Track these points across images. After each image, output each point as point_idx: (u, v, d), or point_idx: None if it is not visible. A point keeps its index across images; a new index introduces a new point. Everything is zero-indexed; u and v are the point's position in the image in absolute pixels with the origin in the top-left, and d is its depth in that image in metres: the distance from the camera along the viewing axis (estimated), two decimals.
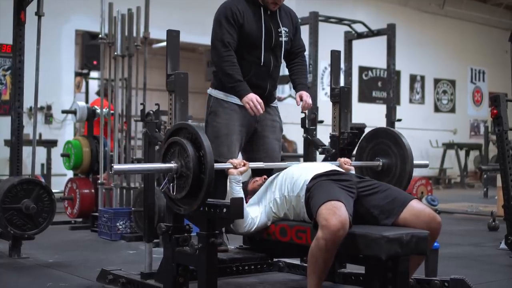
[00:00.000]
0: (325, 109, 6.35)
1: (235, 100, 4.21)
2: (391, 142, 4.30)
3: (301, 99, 4.29)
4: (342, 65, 10.44)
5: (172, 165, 3.47)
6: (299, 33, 4.52)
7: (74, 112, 7.79)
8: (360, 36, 8.28)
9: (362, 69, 17.32)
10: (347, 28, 9.07)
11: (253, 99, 4.05)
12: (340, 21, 8.22)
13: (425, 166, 4.68)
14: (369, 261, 3.47)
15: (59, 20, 12.38)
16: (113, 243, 6.49)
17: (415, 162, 4.26)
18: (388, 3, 17.97)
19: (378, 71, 17.55)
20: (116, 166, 3.43)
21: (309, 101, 4.29)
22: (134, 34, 7.33)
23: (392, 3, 18.10)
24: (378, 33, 8.37)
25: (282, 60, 4.44)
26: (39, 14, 5.79)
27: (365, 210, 3.52)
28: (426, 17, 19.09)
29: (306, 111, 4.59)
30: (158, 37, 13.50)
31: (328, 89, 16.42)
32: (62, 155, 7.86)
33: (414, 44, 17.88)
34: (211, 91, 4.36)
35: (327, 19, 8.07)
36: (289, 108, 15.43)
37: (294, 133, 14.52)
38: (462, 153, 17.91)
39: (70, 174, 9.74)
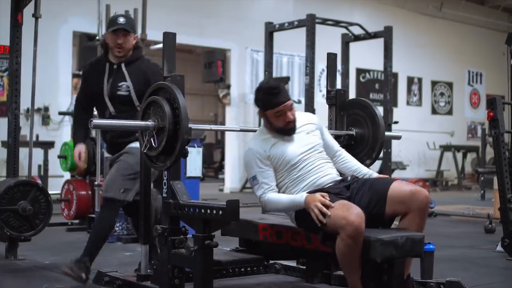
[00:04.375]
0: (322, 111, 6.34)
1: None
2: (364, 113, 4.53)
3: None
4: (339, 67, 10.46)
5: (150, 122, 3.65)
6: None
7: (71, 114, 7.79)
8: (357, 38, 8.29)
9: (359, 71, 17.32)
10: (344, 31, 9.09)
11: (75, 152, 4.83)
12: (337, 23, 8.23)
13: (398, 137, 4.98)
14: (364, 264, 3.48)
15: (57, 21, 12.37)
16: (109, 244, 6.47)
17: (387, 133, 4.63)
18: (385, 5, 17.98)
19: (376, 73, 17.56)
20: (95, 121, 3.67)
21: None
22: None
23: (389, 5, 18.11)
24: (375, 35, 8.38)
25: None
26: (36, 15, 5.80)
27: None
28: (424, 19, 19.10)
29: None
30: (155, 39, 13.51)
31: (325, 91, 16.50)
32: (59, 157, 7.86)
33: (411, 46, 17.89)
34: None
35: (324, 22, 8.07)
36: None
37: None
38: (459, 155, 17.92)
39: (67, 175, 9.73)
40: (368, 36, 8.32)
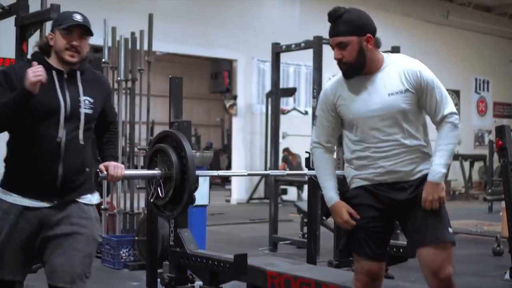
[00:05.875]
0: None
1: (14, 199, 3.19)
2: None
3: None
4: None
5: (157, 171, 3.61)
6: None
7: None
8: None
9: None
10: None
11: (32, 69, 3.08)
12: None
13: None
14: None
15: None
16: (116, 272, 6.46)
17: None
18: (392, 13, 17.91)
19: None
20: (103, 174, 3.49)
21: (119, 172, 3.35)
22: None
23: (396, 14, 18.05)
24: None
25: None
26: None
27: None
28: (430, 27, 19.05)
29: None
30: (161, 49, 13.51)
31: None
32: None
33: (418, 54, 17.48)
34: None
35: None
36: (293, 120, 15.49)
37: (298, 146, 14.51)
38: (466, 164, 17.85)
39: None
40: None
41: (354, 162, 3.32)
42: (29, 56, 3.52)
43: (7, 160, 3.20)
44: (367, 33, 3.23)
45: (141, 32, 7.42)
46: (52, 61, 3.26)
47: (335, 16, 3.23)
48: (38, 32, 5.73)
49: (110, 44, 7.44)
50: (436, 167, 3.20)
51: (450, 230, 3.24)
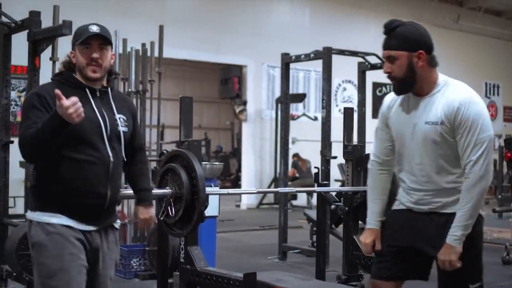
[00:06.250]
0: (338, 126, 6.32)
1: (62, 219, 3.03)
2: None
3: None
4: (355, 96, 10.40)
5: (167, 190, 3.66)
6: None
7: None
8: (373, 67, 8.25)
9: (375, 85, 17.28)
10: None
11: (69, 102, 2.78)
12: (354, 53, 8.20)
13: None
14: None
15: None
16: (127, 281, 6.51)
17: None
18: (402, 18, 17.67)
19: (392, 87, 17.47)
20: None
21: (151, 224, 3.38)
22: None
23: (406, 18, 17.65)
24: None
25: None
26: (53, 59, 5.84)
27: None
28: (440, 31, 18.98)
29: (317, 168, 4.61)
30: (171, 56, 13.56)
31: (341, 106, 16.53)
32: None
33: None
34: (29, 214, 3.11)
35: (341, 52, 8.05)
36: (302, 125, 15.53)
37: (308, 151, 14.54)
38: None
39: None
40: None
41: (399, 181, 3.29)
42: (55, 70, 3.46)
43: (44, 184, 3.03)
44: (419, 49, 3.12)
45: (152, 43, 7.48)
46: (79, 78, 3.12)
47: (389, 29, 3.15)
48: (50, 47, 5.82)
49: (121, 50, 7.50)
50: (452, 229, 3.04)
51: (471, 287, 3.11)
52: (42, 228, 2.98)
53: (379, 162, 3.32)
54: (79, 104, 2.77)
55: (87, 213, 3.04)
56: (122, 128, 3.13)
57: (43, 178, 3.03)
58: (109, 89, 3.17)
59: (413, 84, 3.12)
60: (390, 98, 3.30)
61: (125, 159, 3.17)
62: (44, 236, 2.97)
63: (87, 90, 3.08)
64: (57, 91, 2.75)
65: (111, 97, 3.16)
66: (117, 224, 3.24)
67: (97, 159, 3.02)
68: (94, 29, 3.07)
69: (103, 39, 3.08)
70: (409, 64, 3.08)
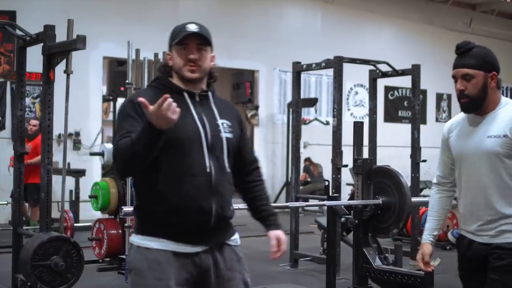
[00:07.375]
0: (350, 131, 6.34)
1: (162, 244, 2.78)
2: (390, 181, 4.57)
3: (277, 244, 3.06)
4: (367, 100, 10.43)
5: None
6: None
7: (101, 154, 7.89)
8: (384, 75, 8.31)
9: (387, 89, 17.30)
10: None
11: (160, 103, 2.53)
12: (365, 62, 8.24)
13: (425, 204, 4.90)
14: None
15: (87, 46, 12.50)
16: None
17: (414, 199, 4.67)
18: (414, 22, 17.93)
19: (404, 90, 17.51)
20: (126, 209, 3.54)
21: (284, 246, 3.08)
22: None
23: (418, 22, 18.05)
24: (402, 73, 8.39)
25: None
26: (67, 72, 5.91)
27: None
28: (453, 35, 18.97)
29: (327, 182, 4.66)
30: None
31: (353, 109, 16.58)
32: (90, 197, 7.98)
33: (440, 63, 17.75)
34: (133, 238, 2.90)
35: (352, 61, 8.10)
36: (314, 129, 15.57)
37: (319, 155, 14.59)
38: None
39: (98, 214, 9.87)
40: (396, 73, 8.33)
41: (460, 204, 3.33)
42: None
43: (144, 203, 2.83)
44: (493, 70, 3.20)
45: (164, 53, 7.54)
46: (176, 82, 2.89)
47: (465, 49, 3.22)
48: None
49: (134, 57, 7.55)
50: None
51: None
52: (141, 254, 2.79)
53: (443, 181, 3.42)
54: (170, 100, 2.51)
55: (191, 232, 2.76)
56: (225, 134, 2.86)
57: (143, 197, 2.84)
58: (209, 93, 2.93)
59: (483, 104, 3.19)
60: (450, 123, 3.41)
61: (229, 170, 2.88)
62: (142, 263, 2.78)
63: (185, 94, 2.86)
64: (141, 99, 2.57)
65: (212, 102, 2.93)
66: (234, 241, 2.96)
67: (198, 170, 2.75)
68: (192, 28, 2.85)
69: (201, 39, 2.86)
70: (483, 84, 3.16)
